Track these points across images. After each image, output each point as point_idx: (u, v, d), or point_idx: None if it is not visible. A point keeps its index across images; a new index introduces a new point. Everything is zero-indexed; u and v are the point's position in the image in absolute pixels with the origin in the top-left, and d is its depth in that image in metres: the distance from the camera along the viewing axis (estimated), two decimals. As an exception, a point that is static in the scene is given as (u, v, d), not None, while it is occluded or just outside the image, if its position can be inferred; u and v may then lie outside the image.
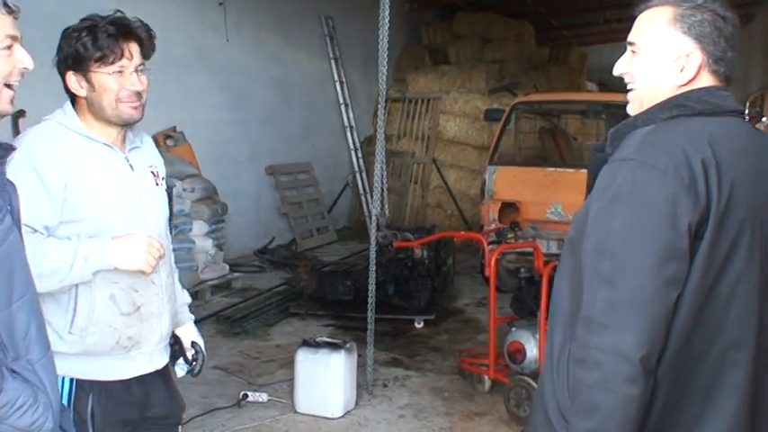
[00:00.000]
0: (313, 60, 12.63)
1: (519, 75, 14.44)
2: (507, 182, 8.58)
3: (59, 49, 2.58)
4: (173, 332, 2.92)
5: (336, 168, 13.37)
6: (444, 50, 15.21)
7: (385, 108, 5.81)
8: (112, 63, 2.55)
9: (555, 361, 1.99)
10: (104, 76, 2.56)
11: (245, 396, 5.40)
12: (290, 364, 5.48)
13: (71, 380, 2.55)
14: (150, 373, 2.75)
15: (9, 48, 1.90)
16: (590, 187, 2.01)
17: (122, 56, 2.55)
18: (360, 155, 13.48)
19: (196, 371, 2.96)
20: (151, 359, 2.76)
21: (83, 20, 2.57)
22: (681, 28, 1.94)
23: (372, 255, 5.76)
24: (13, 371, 1.86)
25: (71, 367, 2.53)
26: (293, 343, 6.00)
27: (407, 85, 14.31)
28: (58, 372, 2.40)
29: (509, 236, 5.83)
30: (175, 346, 2.94)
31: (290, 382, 5.41)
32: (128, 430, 2.72)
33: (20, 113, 5.91)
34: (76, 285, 2.53)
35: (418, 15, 16.04)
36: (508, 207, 8.35)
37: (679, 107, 1.91)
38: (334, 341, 5.34)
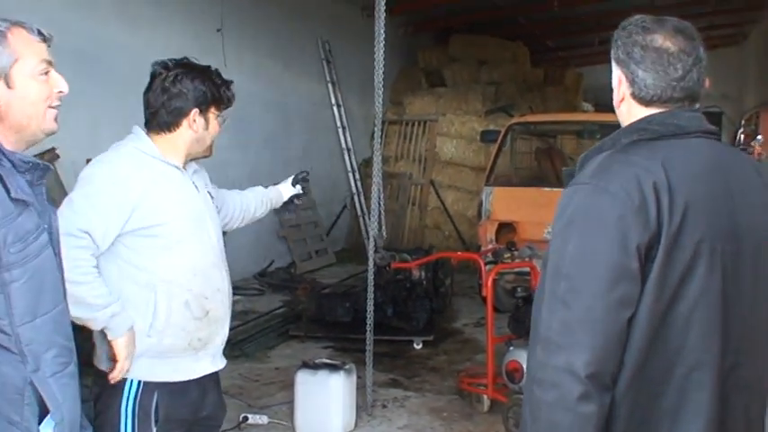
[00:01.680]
0: (311, 84, 12.72)
1: (515, 96, 14.52)
2: (504, 202, 8.62)
3: (184, 88, 2.88)
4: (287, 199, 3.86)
5: (334, 191, 13.43)
6: (440, 73, 15.30)
7: (382, 131, 5.86)
8: (222, 109, 2.99)
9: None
10: (215, 120, 2.97)
11: (246, 419, 5.42)
12: (289, 386, 5.50)
13: (138, 381, 2.84)
14: (207, 377, 3.03)
15: (46, 73, 2.07)
16: None
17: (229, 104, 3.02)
18: (357, 177, 13.54)
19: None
20: (214, 360, 3.06)
21: (197, 65, 2.96)
22: (612, 55, 2.05)
23: (370, 276, 5.80)
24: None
25: (141, 370, 2.83)
26: (293, 365, 6.02)
27: (404, 108, 14.40)
28: (129, 375, 2.79)
29: (505, 256, 5.87)
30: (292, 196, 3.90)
31: (290, 404, 5.43)
32: (183, 430, 2.98)
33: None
34: (156, 292, 2.82)
35: (414, 39, 16.14)
36: (505, 227, 8.39)
37: (640, 131, 1.95)
38: (334, 363, 5.36)
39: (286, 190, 3.82)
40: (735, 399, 1.92)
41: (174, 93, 2.86)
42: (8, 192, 1.90)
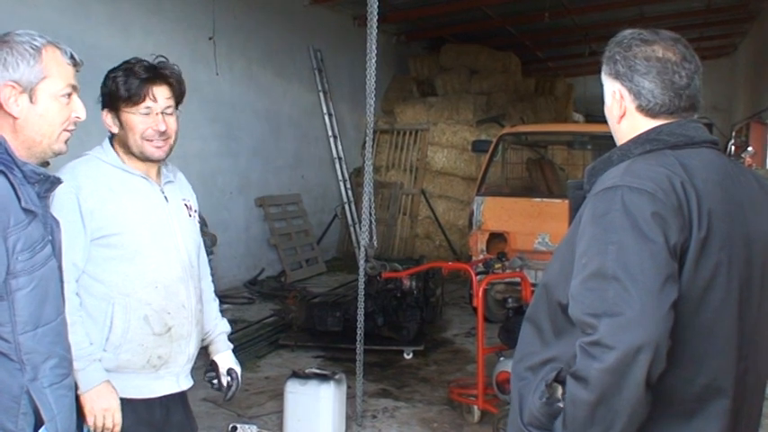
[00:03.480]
0: (302, 93, 12.73)
1: (506, 106, 14.56)
2: (495, 212, 8.62)
3: (101, 87, 2.76)
4: (211, 359, 3.16)
5: (325, 199, 13.43)
6: (432, 82, 15.33)
7: (373, 140, 5.86)
8: (137, 104, 2.73)
9: (519, 394, 2.03)
10: (131, 116, 2.75)
11: (235, 429, 5.37)
12: (279, 395, 5.48)
13: None
14: (172, 396, 2.91)
15: (69, 96, 2.10)
16: (570, 223, 2.05)
17: (146, 98, 2.73)
18: (348, 186, 13.54)
19: (229, 395, 3.14)
20: (178, 380, 2.93)
21: (124, 62, 2.77)
22: (605, 70, 2.05)
23: (361, 286, 5.79)
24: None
25: None
26: (283, 375, 6.00)
27: (396, 117, 14.41)
28: None
29: (496, 266, 5.86)
30: (212, 372, 3.16)
31: (280, 413, 5.41)
32: None
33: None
34: (113, 305, 2.70)
35: (406, 48, 16.18)
36: (496, 237, 8.39)
37: (651, 141, 1.96)
38: (324, 372, 5.34)
39: (226, 361, 3.21)
40: (745, 404, 1.95)
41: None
42: (19, 201, 1.91)
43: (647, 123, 2.00)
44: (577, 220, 1.96)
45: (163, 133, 2.78)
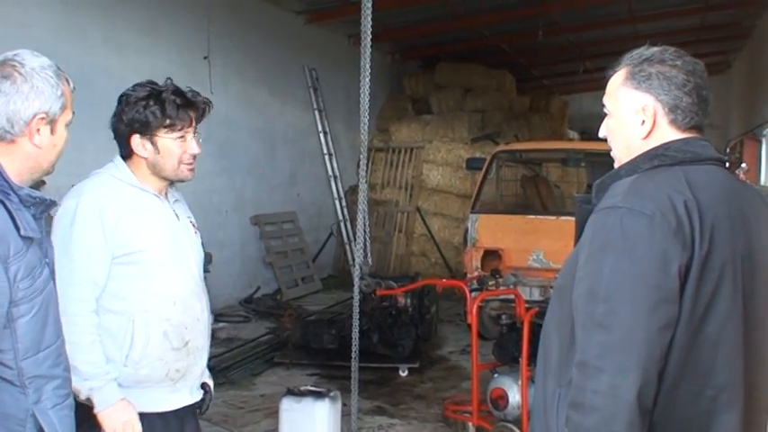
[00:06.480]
0: (297, 111, 12.76)
1: (500, 124, 14.62)
2: (489, 230, 8.64)
3: (121, 113, 2.80)
4: None
5: (321, 217, 13.44)
6: (427, 100, 15.39)
7: (368, 158, 5.88)
8: (179, 130, 2.81)
9: (546, 409, 2.02)
10: (169, 141, 2.82)
11: (230, 446, 5.38)
12: (274, 413, 5.47)
13: None
14: (186, 408, 2.95)
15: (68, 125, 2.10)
16: (577, 237, 2.07)
17: (183, 124, 2.82)
18: (344, 204, 13.56)
19: (203, 409, 3.13)
20: (191, 392, 2.98)
21: (140, 86, 2.81)
22: (632, 84, 2.04)
23: (356, 303, 5.78)
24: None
25: None
26: (278, 392, 5.98)
27: (391, 135, 14.46)
28: None
29: (490, 283, 5.88)
30: None
31: (275, 431, 5.40)
32: None
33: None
34: (133, 321, 2.75)
35: (400, 66, 16.25)
36: (491, 255, 8.41)
37: (660, 157, 1.98)
38: (319, 390, 5.33)
39: None
40: (753, 417, 1.97)
41: (116, 119, 2.83)
42: (18, 230, 1.92)
43: (676, 137, 2.02)
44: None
45: (195, 155, 2.90)
